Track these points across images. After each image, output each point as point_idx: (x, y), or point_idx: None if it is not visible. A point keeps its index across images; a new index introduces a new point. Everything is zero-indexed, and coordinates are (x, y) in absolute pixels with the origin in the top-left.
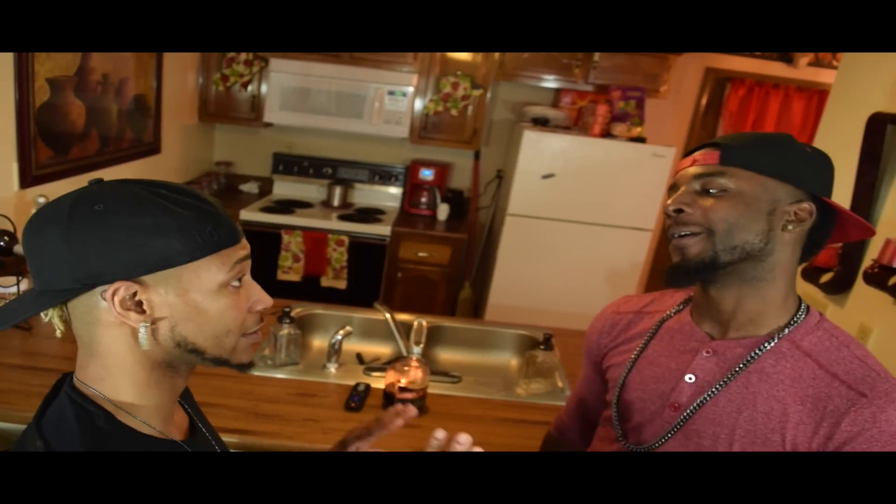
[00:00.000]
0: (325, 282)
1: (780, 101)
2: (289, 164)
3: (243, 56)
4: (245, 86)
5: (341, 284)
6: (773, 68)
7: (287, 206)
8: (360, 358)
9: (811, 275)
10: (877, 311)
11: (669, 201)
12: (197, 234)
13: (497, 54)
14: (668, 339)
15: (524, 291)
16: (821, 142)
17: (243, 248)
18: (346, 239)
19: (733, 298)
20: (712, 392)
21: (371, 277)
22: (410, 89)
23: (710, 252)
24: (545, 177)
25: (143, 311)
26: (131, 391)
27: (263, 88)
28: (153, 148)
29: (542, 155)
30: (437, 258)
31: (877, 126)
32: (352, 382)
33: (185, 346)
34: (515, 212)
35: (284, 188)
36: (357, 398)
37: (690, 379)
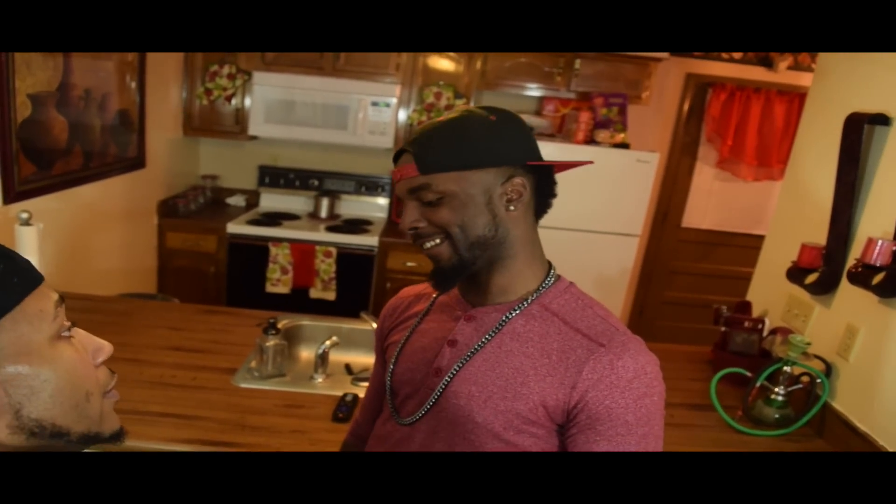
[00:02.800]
0: (314, 293)
1: (761, 105)
2: (275, 177)
3: (226, 69)
4: (229, 99)
5: (330, 296)
6: (753, 73)
7: (274, 219)
8: (348, 368)
9: (796, 276)
10: (863, 310)
11: (401, 220)
12: None
13: (479, 63)
14: (439, 313)
15: None
16: (801, 143)
17: (53, 291)
18: (333, 250)
19: (485, 275)
20: (469, 355)
21: (360, 288)
22: (394, 100)
23: (456, 255)
24: None
25: None
26: None
27: (247, 101)
28: (138, 162)
29: None
30: (426, 267)
31: (854, 126)
32: (339, 393)
33: (44, 430)
34: None
35: (271, 201)
36: (345, 408)
37: (452, 344)
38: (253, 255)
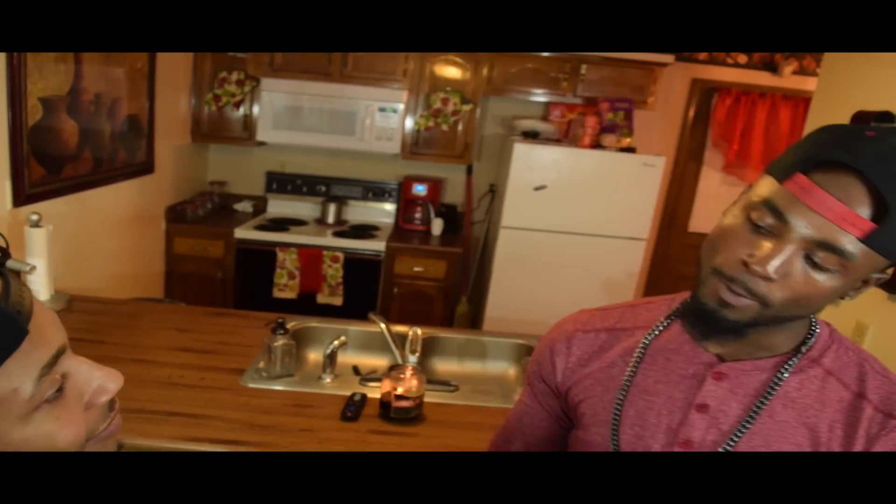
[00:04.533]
0: (321, 298)
1: (767, 110)
2: (282, 183)
3: (235, 76)
4: (237, 105)
5: (337, 301)
6: (758, 77)
7: (281, 224)
8: (356, 370)
9: None
10: (872, 307)
11: (756, 253)
12: None
13: (485, 69)
14: (663, 363)
15: (521, 304)
16: None
17: (46, 342)
18: (341, 255)
19: (758, 333)
20: (740, 431)
21: (367, 293)
22: (401, 105)
23: (754, 317)
24: (537, 189)
25: None
26: None
27: (255, 108)
28: (146, 168)
29: (533, 167)
30: (433, 273)
31: (860, 124)
32: (348, 393)
33: None
34: (509, 224)
35: (278, 206)
36: (353, 408)
37: (702, 410)
38: (260, 260)
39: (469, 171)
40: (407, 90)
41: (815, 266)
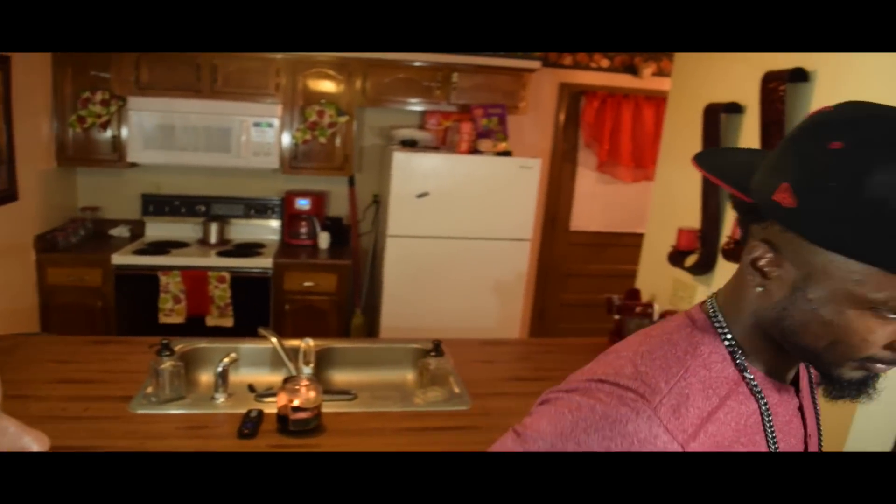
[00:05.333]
0: (211, 321)
1: (632, 110)
2: (159, 205)
3: (99, 95)
4: (104, 126)
5: (228, 322)
6: (621, 80)
7: (162, 248)
8: (251, 389)
9: (677, 259)
10: None
11: (873, 336)
12: None
13: (359, 81)
14: (774, 419)
15: (415, 312)
16: (667, 137)
17: None
18: (227, 275)
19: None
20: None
21: (258, 312)
22: (276, 120)
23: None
24: (420, 196)
25: None
26: None
27: (125, 129)
28: (9, 195)
29: (414, 175)
30: (324, 286)
31: (712, 115)
32: (243, 410)
33: None
34: (396, 233)
35: (157, 230)
36: (250, 424)
37: (811, 437)
38: (142, 286)
39: (351, 182)
40: (281, 104)
41: None
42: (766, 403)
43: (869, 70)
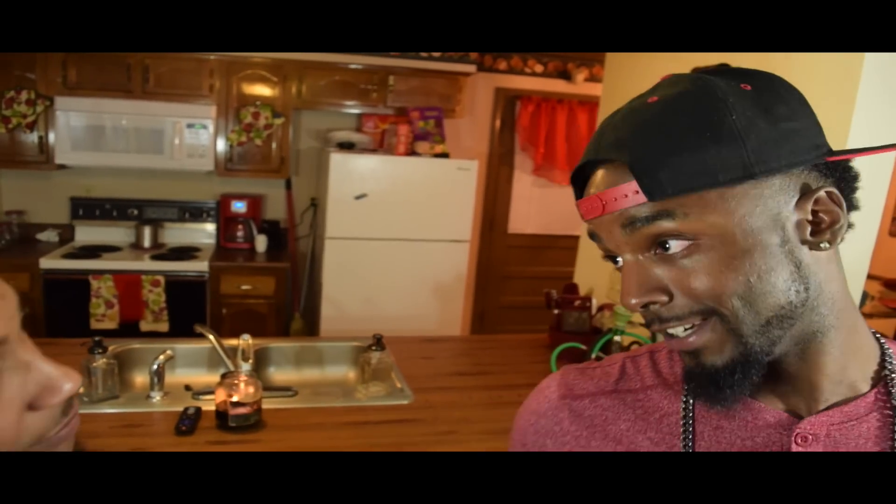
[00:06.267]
0: (145, 326)
1: (566, 115)
2: (89, 208)
3: (24, 95)
4: (30, 127)
5: (163, 327)
6: (555, 85)
7: (93, 252)
8: (188, 388)
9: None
10: None
11: (623, 290)
12: None
13: (294, 84)
14: (713, 434)
15: (355, 314)
16: None
17: None
18: (161, 279)
19: (798, 362)
20: None
21: (194, 316)
22: (210, 121)
23: (739, 345)
24: (358, 197)
25: None
26: None
27: (52, 129)
28: None
29: (352, 177)
30: (262, 290)
31: None
32: (180, 408)
33: None
34: (334, 235)
35: (87, 234)
36: (188, 421)
37: None
38: (72, 291)
39: (288, 185)
40: (215, 105)
41: (667, 251)
42: (686, 440)
43: (784, 67)
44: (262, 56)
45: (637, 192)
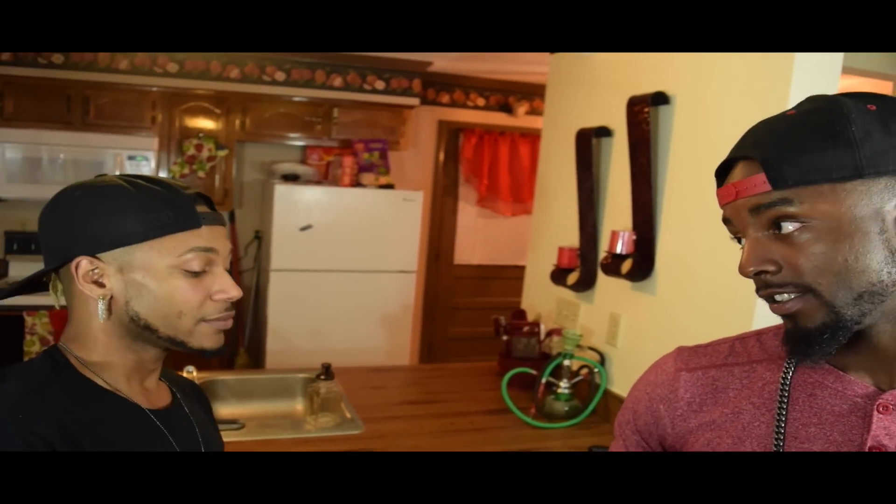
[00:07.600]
0: None
1: (508, 147)
2: (25, 243)
3: None
4: None
5: None
6: (496, 118)
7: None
8: None
9: (559, 277)
10: (621, 298)
11: (743, 259)
12: (154, 216)
13: (237, 117)
14: (807, 401)
15: (302, 347)
16: (543, 161)
17: (203, 239)
18: None
19: (887, 336)
20: None
21: None
22: (152, 153)
23: (828, 315)
24: (303, 228)
25: (102, 286)
26: (95, 354)
27: None
28: None
29: (297, 208)
30: None
31: (584, 140)
32: None
33: (138, 322)
34: (279, 267)
35: (22, 269)
36: None
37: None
38: (5, 327)
39: (231, 218)
40: (157, 137)
41: (781, 231)
42: (781, 407)
43: (720, 92)
44: (206, 88)
45: (765, 182)
